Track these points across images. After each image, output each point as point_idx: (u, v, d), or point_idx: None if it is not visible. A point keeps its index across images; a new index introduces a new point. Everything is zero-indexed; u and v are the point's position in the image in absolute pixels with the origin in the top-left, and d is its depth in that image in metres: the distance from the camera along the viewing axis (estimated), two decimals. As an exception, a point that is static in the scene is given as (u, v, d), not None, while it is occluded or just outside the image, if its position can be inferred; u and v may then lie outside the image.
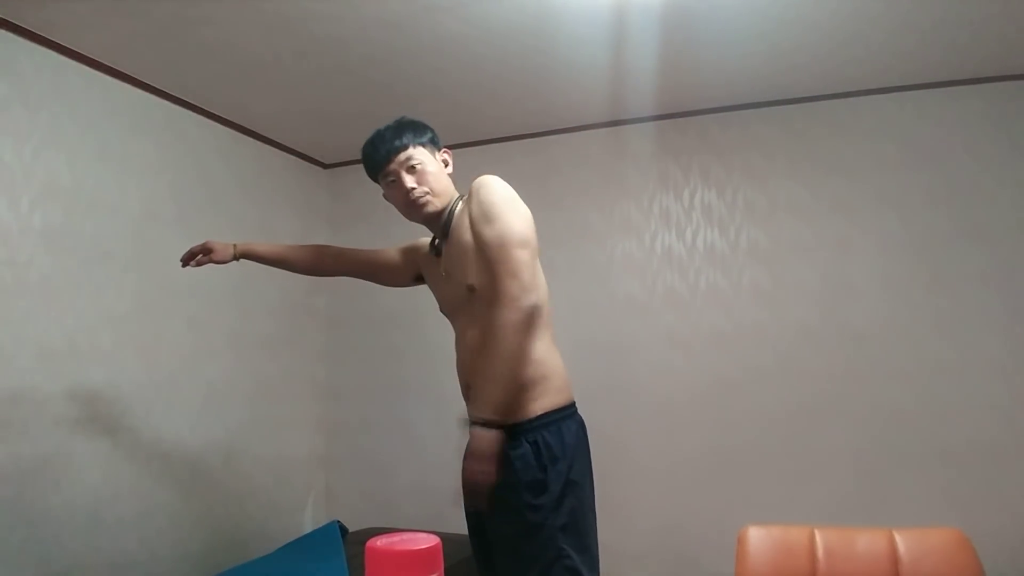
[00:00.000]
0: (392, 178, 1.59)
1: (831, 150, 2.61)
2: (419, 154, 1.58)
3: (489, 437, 1.36)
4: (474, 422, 1.39)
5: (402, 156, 1.56)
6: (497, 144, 3.04)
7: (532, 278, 1.42)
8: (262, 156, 2.98)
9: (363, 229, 3.11)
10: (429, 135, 1.63)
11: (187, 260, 1.86)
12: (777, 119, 2.68)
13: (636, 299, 2.78)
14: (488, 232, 1.45)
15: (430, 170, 1.58)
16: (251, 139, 2.91)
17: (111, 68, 2.26)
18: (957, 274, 2.42)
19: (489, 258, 1.44)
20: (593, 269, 2.85)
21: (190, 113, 2.58)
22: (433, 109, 2.72)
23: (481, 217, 1.47)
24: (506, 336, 1.38)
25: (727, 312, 2.66)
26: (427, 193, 1.57)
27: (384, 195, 1.67)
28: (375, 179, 1.64)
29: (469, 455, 1.38)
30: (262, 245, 1.97)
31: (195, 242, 1.88)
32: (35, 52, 2.04)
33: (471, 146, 3.04)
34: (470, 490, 1.40)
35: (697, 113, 2.76)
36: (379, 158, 1.58)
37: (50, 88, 2.07)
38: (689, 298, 2.72)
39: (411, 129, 1.60)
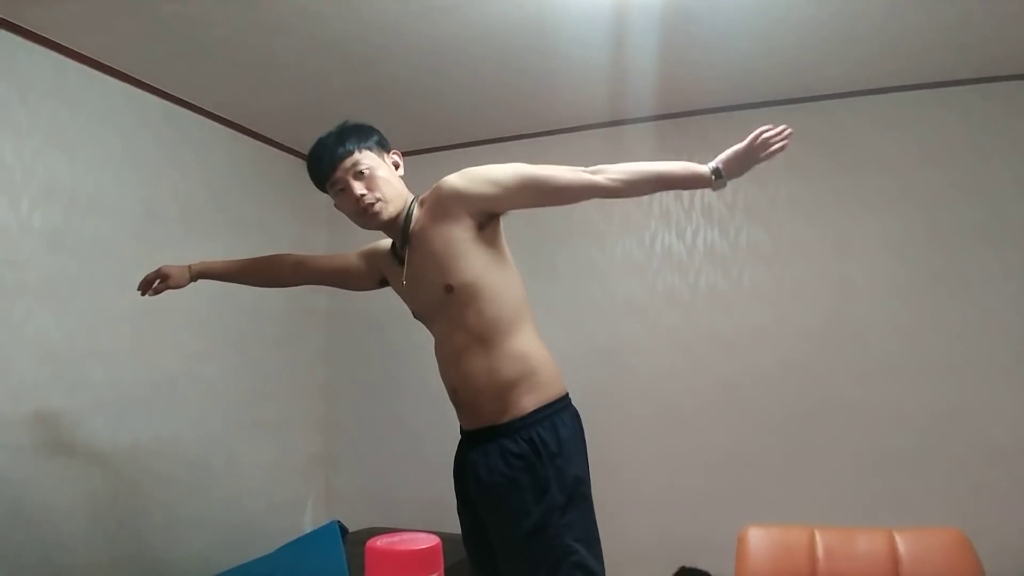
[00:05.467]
0: (340, 186, 1.48)
1: (832, 150, 2.61)
2: (366, 158, 1.48)
3: None
4: None
5: (348, 162, 1.46)
6: (497, 144, 3.03)
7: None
8: (262, 156, 2.98)
9: (362, 229, 3.09)
10: (375, 137, 1.53)
11: (144, 288, 1.79)
12: (777, 119, 2.65)
13: (636, 299, 2.78)
14: (500, 182, 1.44)
15: (380, 174, 1.48)
16: (251, 139, 2.90)
17: (111, 68, 2.25)
18: (959, 274, 2.42)
19: (530, 190, 1.44)
20: (593, 269, 2.85)
21: (190, 113, 2.58)
22: (433, 109, 2.74)
23: (483, 184, 1.44)
24: (634, 169, 1.48)
25: (727, 312, 2.66)
26: (378, 200, 1.47)
27: (335, 205, 1.56)
28: (323, 189, 1.53)
29: None
30: (218, 263, 1.90)
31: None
32: (35, 52, 2.03)
33: (472, 146, 3.04)
34: None
35: (697, 113, 2.75)
36: (324, 167, 1.48)
37: (50, 88, 2.07)
38: (689, 298, 2.72)
39: (355, 133, 1.50)
